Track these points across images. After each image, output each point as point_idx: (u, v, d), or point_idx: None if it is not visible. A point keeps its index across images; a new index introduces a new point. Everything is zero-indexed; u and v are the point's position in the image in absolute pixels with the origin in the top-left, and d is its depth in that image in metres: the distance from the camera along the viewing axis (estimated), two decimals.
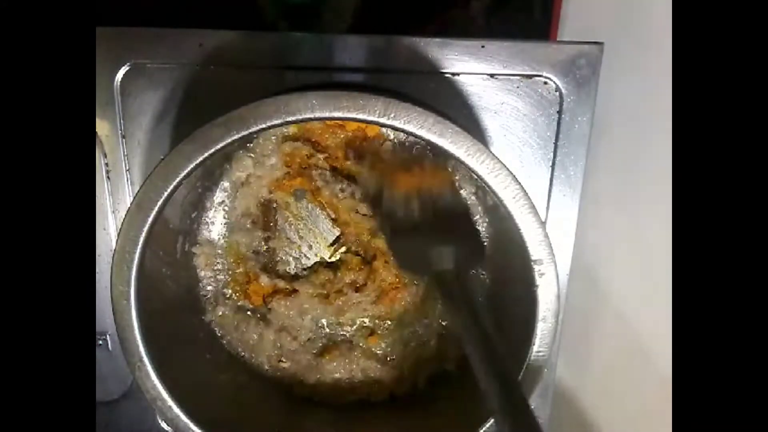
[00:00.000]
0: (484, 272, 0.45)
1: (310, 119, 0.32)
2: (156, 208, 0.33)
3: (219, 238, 0.45)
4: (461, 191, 0.43)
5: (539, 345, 0.35)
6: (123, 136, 0.41)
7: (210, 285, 0.46)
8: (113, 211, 0.42)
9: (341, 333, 0.46)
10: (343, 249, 0.45)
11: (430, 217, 0.38)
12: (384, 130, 0.42)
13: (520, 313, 0.36)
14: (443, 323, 0.46)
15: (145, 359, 0.35)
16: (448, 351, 0.45)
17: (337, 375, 0.46)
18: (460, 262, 0.37)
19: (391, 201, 0.39)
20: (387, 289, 0.44)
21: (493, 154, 0.33)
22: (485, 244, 0.43)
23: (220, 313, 0.46)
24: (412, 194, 0.39)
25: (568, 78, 0.40)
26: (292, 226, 0.45)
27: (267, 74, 0.40)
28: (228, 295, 0.46)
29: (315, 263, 0.46)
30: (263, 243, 0.45)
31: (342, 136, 0.43)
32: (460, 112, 0.40)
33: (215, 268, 0.45)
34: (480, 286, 0.45)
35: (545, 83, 0.40)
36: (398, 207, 0.39)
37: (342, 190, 0.43)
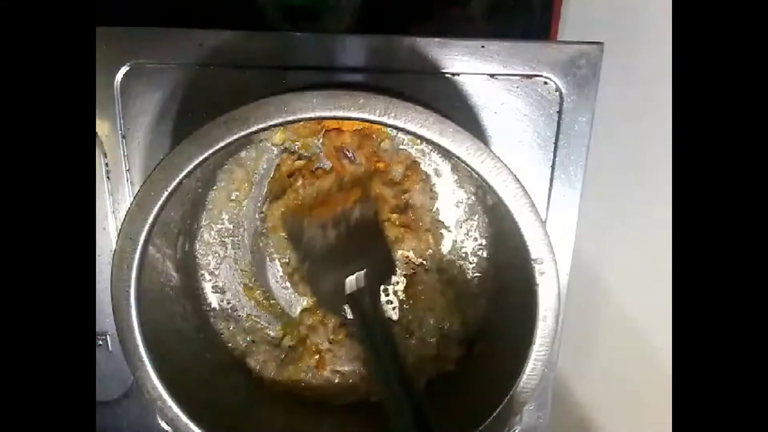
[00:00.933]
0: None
1: (310, 119, 0.32)
2: (156, 208, 0.33)
3: (219, 238, 0.45)
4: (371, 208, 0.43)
5: (540, 344, 0.35)
6: (123, 136, 0.41)
7: (211, 285, 0.46)
8: (113, 211, 0.42)
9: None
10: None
11: (344, 241, 0.40)
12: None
13: (520, 313, 0.36)
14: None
15: (146, 359, 0.35)
16: (449, 351, 0.45)
17: (337, 375, 0.46)
18: (371, 280, 0.39)
19: (310, 236, 0.40)
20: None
21: (494, 153, 0.33)
22: (395, 257, 0.44)
23: (222, 312, 0.46)
24: (327, 224, 0.40)
25: (568, 78, 0.40)
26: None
27: (267, 74, 0.40)
28: (229, 295, 0.46)
29: None
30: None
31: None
32: (460, 112, 0.40)
33: (216, 267, 0.45)
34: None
35: (545, 83, 0.40)
36: (317, 240, 0.40)
37: None
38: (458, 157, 0.33)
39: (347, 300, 0.39)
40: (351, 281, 0.39)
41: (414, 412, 0.37)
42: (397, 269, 0.44)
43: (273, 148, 0.43)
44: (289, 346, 0.47)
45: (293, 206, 0.42)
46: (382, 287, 0.44)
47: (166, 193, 0.33)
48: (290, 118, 0.32)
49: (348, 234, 0.40)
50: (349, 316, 0.40)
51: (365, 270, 0.39)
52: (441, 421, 0.40)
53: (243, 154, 0.43)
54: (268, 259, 0.45)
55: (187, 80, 0.40)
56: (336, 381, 0.46)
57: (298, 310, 0.46)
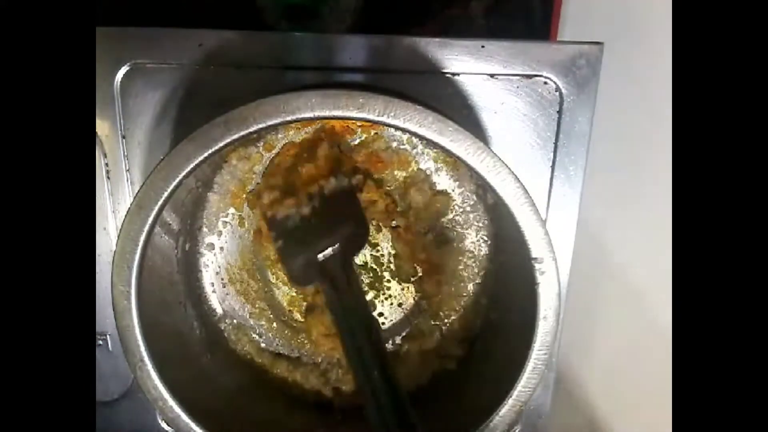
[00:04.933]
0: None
1: (310, 118, 0.32)
2: (156, 208, 0.33)
3: (220, 237, 0.45)
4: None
5: (540, 344, 0.35)
6: (123, 136, 0.41)
7: (211, 284, 0.46)
8: (113, 211, 0.42)
9: None
10: None
11: (320, 213, 0.39)
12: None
13: (520, 312, 0.36)
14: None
15: (146, 359, 0.35)
16: (449, 350, 0.45)
17: (338, 376, 0.46)
18: (344, 246, 0.38)
19: (282, 214, 0.40)
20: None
21: (494, 153, 0.33)
22: (368, 223, 0.43)
23: (222, 312, 0.46)
24: (302, 197, 0.39)
25: (568, 78, 0.40)
26: None
27: (267, 74, 0.40)
28: (230, 294, 0.46)
29: None
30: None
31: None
32: (460, 112, 0.40)
33: (216, 267, 0.45)
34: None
35: (545, 83, 0.40)
36: (289, 217, 0.39)
37: None
38: (458, 157, 0.33)
39: (320, 272, 0.39)
40: (324, 254, 0.38)
41: (391, 393, 0.35)
42: (369, 237, 0.43)
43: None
44: (290, 347, 0.47)
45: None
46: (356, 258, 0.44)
47: (166, 193, 0.33)
48: (289, 118, 0.32)
49: (321, 208, 0.39)
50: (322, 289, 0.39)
51: (338, 243, 0.38)
52: (441, 420, 0.40)
53: (243, 153, 0.43)
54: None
55: (187, 80, 0.40)
56: (337, 381, 0.46)
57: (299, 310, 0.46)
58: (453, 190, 0.44)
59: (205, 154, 0.32)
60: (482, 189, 0.43)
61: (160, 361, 0.35)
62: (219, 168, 0.43)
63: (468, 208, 0.44)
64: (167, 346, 0.37)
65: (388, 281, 0.46)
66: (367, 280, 0.45)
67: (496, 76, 0.40)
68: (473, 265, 0.45)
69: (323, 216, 0.39)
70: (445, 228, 0.44)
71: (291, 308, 0.46)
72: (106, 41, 0.39)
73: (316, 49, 0.40)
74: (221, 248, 0.45)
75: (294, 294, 0.46)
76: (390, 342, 0.46)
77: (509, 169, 0.33)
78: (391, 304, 0.46)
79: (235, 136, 0.32)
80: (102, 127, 0.41)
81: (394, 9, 0.51)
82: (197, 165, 0.33)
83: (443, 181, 0.43)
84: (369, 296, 0.46)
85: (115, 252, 0.34)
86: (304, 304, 0.46)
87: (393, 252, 0.45)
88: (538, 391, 0.38)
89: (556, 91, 0.40)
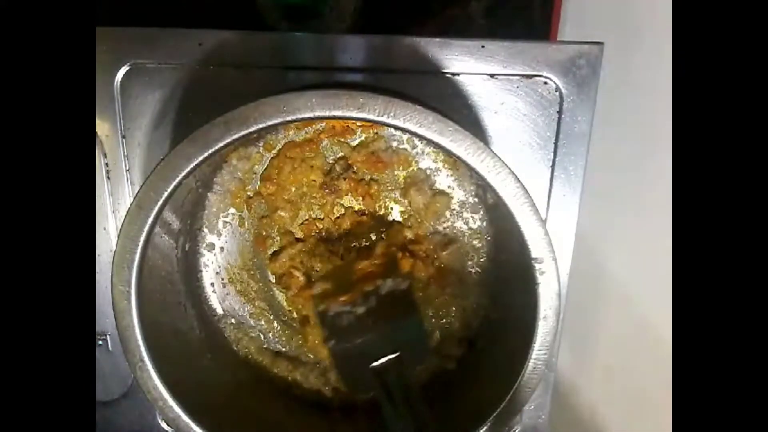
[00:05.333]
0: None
1: (310, 118, 0.32)
2: (156, 208, 0.33)
3: (220, 237, 0.45)
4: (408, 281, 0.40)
5: (540, 344, 0.35)
6: (123, 136, 0.41)
7: (211, 284, 0.46)
8: (113, 211, 0.42)
9: None
10: None
11: (373, 316, 0.37)
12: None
13: (521, 312, 0.36)
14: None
15: (147, 359, 0.35)
16: (449, 350, 0.45)
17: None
18: (403, 355, 0.36)
19: (336, 311, 0.37)
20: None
21: (494, 153, 0.33)
22: (427, 336, 0.41)
23: (222, 312, 0.46)
24: (356, 296, 0.37)
25: (568, 78, 0.40)
26: None
27: (267, 74, 0.40)
28: (230, 294, 0.46)
29: None
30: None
31: None
32: (460, 112, 0.40)
33: (216, 267, 0.45)
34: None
35: (545, 83, 0.40)
36: (343, 316, 0.37)
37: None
38: (458, 157, 0.33)
39: (373, 372, 0.36)
40: (381, 363, 0.36)
41: None
42: (429, 352, 0.41)
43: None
44: (290, 346, 0.47)
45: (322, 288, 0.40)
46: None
47: (166, 193, 0.33)
48: (289, 118, 0.32)
49: (377, 308, 0.37)
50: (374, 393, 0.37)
51: (396, 354, 0.36)
52: (441, 420, 0.40)
53: (243, 153, 0.43)
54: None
55: (187, 80, 0.40)
56: (337, 381, 0.46)
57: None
58: (453, 190, 0.44)
59: (205, 155, 0.32)
60: (482, 189, 0.43)
61: (160, 361, 0.35)
62: (219, 168, 0.43)
63: (468, 208, 0.44)
64: (167, 346, 0.37)
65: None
66: None
67: (496, 76, 0.40)
68: (473, 265, 0.45)
69: (378, 318, 0.37)
70: (446, 229, 0.44)
71: (291, 308, 0.46)
72: (106, 41, 0.39)
73: (316, 49, 0.40)
74: (221, 248, 0.45)
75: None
76: None
77: (509, 169, 0.33)
78: None
79: (235, 136, 0.32)
80: (102, 127, 0.41)
81: (394, 9, 0.51)
82: (197, 165, 0.33)
83: (443, 181, 0.43)
84: None
85: (115, 252, 0.34)
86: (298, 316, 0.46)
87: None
88: (538, 391, 0.38)
89: (556, 91, 0.40)
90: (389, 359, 0.36)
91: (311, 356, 0.46)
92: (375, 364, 0.36)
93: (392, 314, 0.37)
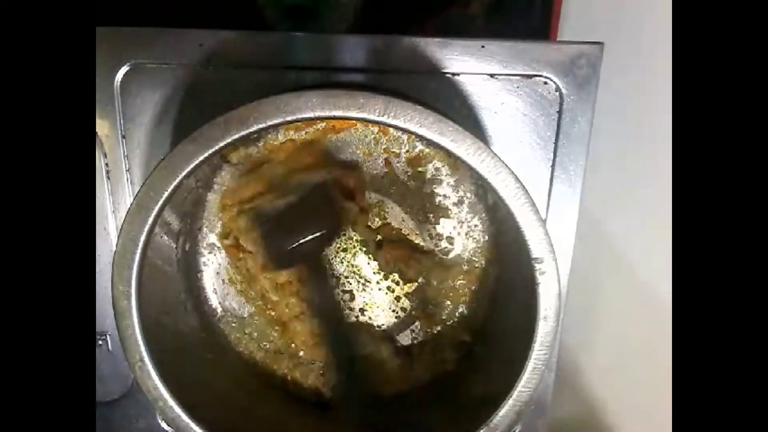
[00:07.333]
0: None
1: (310, 118, 0.32)
2: (156, 208, 0.33)
3: (220, 237, 0.45)
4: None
5: (540, 344, 0.35)
6: (123, 136, 0.41)
7: (211, 284, 0.46)
8: (113, 211, 0.42)
9: None
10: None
11: (296, 206, 0.40)
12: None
13: (521, 312, 0.36)
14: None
15: (147, 359, 0.35)
16: (449, 351, 0.45)
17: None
18: (321, 239, 0.39)
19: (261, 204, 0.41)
20: None
21: (494, 153, 0.33)
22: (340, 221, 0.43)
23: (222, 312, 0.46)
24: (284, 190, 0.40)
25: (568, 78, 0.40)
26: None
27: (267, 74, 0.40)
28: (230, 294, 0.46)
29: None
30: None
31: None
32: (460, 112, 0.40)
33: (216, 267, 0.45)
34: None
35: (545, 83, 0.40)
36: (269, 206, 0.41)
37: None
38: (458, 157, 0.33)
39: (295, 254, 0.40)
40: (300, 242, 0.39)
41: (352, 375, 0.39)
42: (345, 226, 0.44)
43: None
44: (290, 347, 0.47)
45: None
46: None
47: (166, 193, 0.33)
48: (289, 118, 0.32)
49: (300, 200, 0.40)
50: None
51: (316, 232, 0.39)
52: (441, 420, 0.40)
53: (243, 153, 0.43)
54: None
55: (187, 80, 0.40)
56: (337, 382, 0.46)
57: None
58: (453, 190, 0.44)
59: (205, 154, 0.32)
60: (482, 189, 0.43)
61: (160, 361, 0.35)
62: (219, 168, 0.43)
63: (468, 208, 0.44)
64: (167, 346, 0.37)
65: (397, 281, 0.46)
66: (369, 281, 0.46)
67: (496, 76, 0.40)
68: (473, 265, 0.45)
69: (300, 207, 0.40)
70: (445, 229, 0.44)
71: (238, 274, 0.46)
72: (106, 41, 0.39)
73: (316, 49, 0.40)
74: (221, 248, 0.45)
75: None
76: (390, 342, 0.46)
77: (509, 169, 0.33)
78: (393, 304, 0.46)
79: (235, 136, 0.32)
80: (102, 127, 0.41)
81: (394, 9, 0.51)
82: (197, 165, 0.32)
83: (443, 180, 0.43)
84: (369, 296, 0.46)
85: (115, 252, 0.34)
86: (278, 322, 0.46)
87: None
88: (538, 391, 0.38)
89: (556, 91, 0.40)
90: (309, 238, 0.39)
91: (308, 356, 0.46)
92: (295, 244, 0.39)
93: (312, 202, 0.40)
